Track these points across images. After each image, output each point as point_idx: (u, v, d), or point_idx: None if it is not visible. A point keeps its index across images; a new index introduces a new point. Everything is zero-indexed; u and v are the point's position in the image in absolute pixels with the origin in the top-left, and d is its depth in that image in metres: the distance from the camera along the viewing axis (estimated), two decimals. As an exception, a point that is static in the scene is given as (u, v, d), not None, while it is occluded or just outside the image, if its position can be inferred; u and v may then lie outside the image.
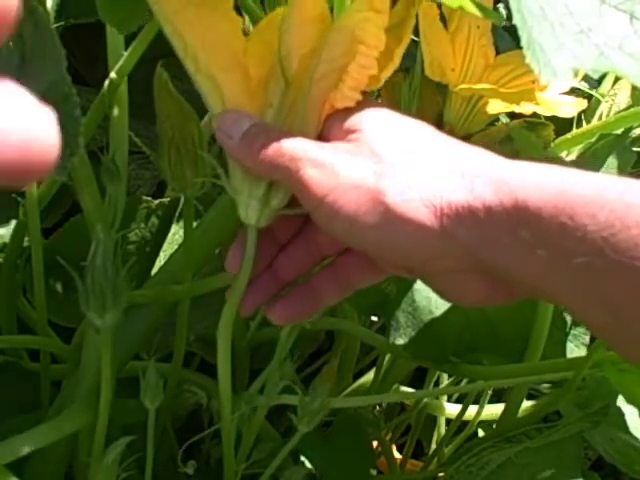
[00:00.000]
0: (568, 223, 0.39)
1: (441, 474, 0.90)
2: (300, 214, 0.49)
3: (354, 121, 0.47)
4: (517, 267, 0.42)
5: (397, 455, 1.02)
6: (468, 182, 0.43)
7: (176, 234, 0.85)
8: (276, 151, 0.46)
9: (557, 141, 0.75)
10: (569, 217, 0.39)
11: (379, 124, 0.46)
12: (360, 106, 0.48)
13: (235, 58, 0.48)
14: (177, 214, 0.85)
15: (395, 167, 0.44)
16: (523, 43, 0.42)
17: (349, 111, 0.47)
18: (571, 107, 0.66)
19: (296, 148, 0.45)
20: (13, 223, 0.81)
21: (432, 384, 0.94)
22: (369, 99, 0.49)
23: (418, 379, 0.99)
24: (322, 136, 0.49)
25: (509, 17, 0.44)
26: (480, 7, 0.42)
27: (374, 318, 0.91)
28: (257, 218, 0.49)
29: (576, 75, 0.42)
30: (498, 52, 0.68)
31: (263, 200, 0.48)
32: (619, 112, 0.77)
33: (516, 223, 0.41)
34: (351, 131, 0.46)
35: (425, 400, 0.94)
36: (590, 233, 0.39)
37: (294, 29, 0.47)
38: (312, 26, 0.47)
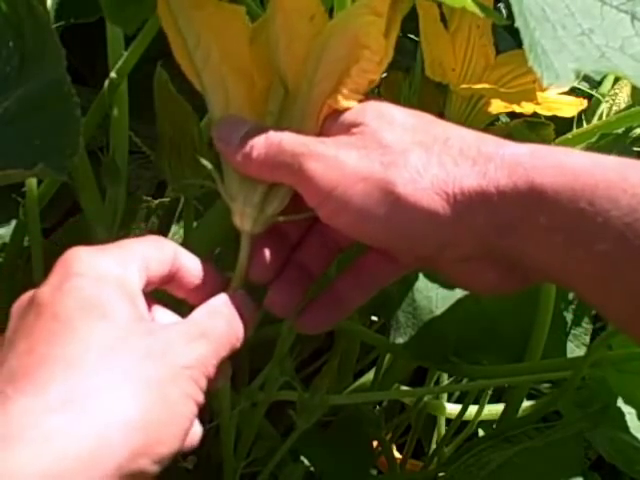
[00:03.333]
0: (587, 208, 0.38)
1: (441, 474, 0.90)
2: (296, 220, 0.49)
3: (356, 115, 0.46)
4: (533, 253, 0.41)
5: (397, 455, 1.02)
6: (481, 167, 0.42)
7: (176, 234, 0.85)
8: (276, 149, 0.45)
9: (557, 141, 0.75)
10: (589, 202, 0.38)
11: (382, 116, 0.46)
12: (360, 101, 0.47)
13: (242, 64, 0.49)
14: (177, 214, 0.85)
15: (404, 156, 0.43)
16: (525, 46, 0.42)
17: (350, 107, 0.47)
18: (571, 107, 0.66)
19: (297, 144, 0.45)
20: (13, 223, 0.81)
21: (432, 384, 0.94)
22: (367, 94, 0.48)
23: (418, 379, 0.99)
24: (322, 135, 0.48)
25: (509, 17, 0.44)
26: (481, 7, 0.42)
27: (374, 318, 0.91)
28: (252, 225, 0.49)
29: (578, 77, 0.42)
30: (498, 52, 0.68)
31: (258, 207, 0.48)
32: (619, 112, 0.77)
33: (532, 208, 0.40)
34: (354, 125, 0.46)
35: (425, 400, 0.94)
36: (612, 219, 0.38)
37: (279, 21, 0.47)
38: (297, 19, 0.47)
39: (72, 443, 0.36)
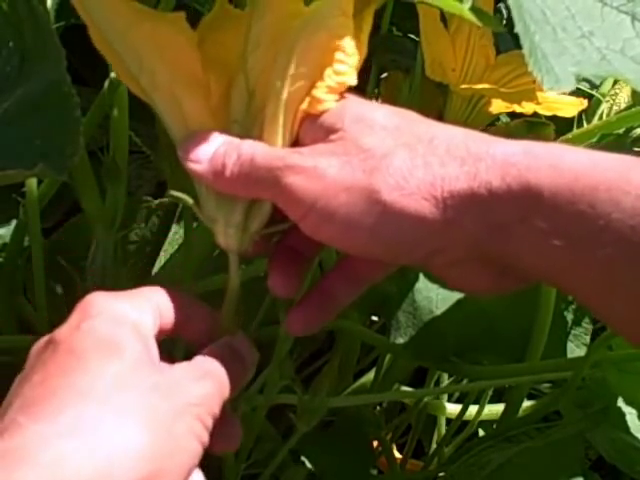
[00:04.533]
0: (588, 211, 0.37)
1: (441, 474, 0.90)
2: (282, 229, 0.47)
3: (334, 119, 0.44)
4: (528, 257, 0.40)
5: (397, 455, 1.02)
6: (470, 167, 0.40)
7: (176, 234, 0.85)
8: (249, 166, 0.43)
9: (558, 141, 0.75)
10: (589, 204, 0.37)
11: (362, 119, 0.43)
12: (338, 102, 0.45)
13: (194, 74, 0.45)
14: (177, 214, 0.85)
15: (386, 160, 0.41)
16: (525, 50, 0.41)
17: (326, 111, 0.45)
18: (572, 107, 0.66)
19: (271, 157, 0.43)
20: (13, 223, 0.81)
21: (432, 384, 0.94)
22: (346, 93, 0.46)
23: (418, 380, 0.99)
24: (298, 143, 0.46)
25: (510, 17, 0.44)
26: (479, 15, 0.42)
27: (374, 318, 0.91)
28: (238, 246, 0.46)
29: (578, 81, 0.42)
30: (499, 52, 0.68)
31: (241, 227, 0.46)
32: (620, 112, 0.77)
33: (528, 210, 0.39)
34: (332, 131, 0.44)
35: (425, 400, 0.94)
36: (614, 222, 0.36)
37: (267, 22, 0.44)
38: (289, 22, 0.45)
39: (81, 467, 0.36)
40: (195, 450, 0.41)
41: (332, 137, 0.43)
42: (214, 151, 0.44)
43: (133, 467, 0.37)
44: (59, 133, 0.55)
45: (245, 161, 0.44)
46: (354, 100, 0.46)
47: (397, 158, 0.41)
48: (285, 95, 0.44)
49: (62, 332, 0.42)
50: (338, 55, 0.44)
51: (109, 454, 0.37)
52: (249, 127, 0.46)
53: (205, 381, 0.43)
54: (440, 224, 0.41)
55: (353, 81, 0.45)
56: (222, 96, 0.46)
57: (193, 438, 0.41)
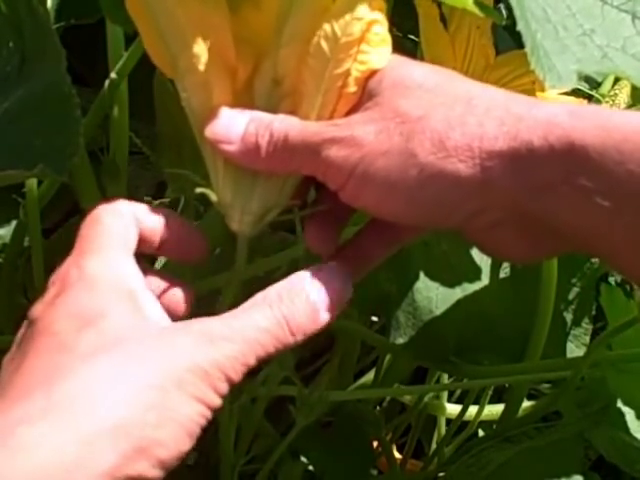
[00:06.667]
0: (638, 171, 0.36)
1: (441, 474, 0.90)
2: (293, 218, 0.47)
3: (374, 85, 0.44)
4: (571, 218, 0.39)
5: (397, 455, 1.02)
6: (510, 127, 0.39)
7: (176, 234, 0.85)
8: (284, 144, 0.43)
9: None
10: (639, 164, 0.36)
11: (400, 82, 0.43)
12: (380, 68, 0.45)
13: (228, 59, 0.45)
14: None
15: (422, 123, 0.41)
16: (527, 49, 0.41)
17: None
18: (571, 107, 0.66)
19: (307, 133, 0.43)
20: (13, 223, 0.81)
21: (433, 384, 0.94)
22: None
23: (418, 380, 0.99)
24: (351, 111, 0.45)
25: (509, 17, 0.44)
26: (481, 6, 0.42)
27: (374, 318, 0.91)
28: (251, 230, 0.47)
29: (580, 78, 0.42)
30: (498, 52, 0.68)
31: (258, 215, 0.46)
32: (619, 112, 0.77)
33: (572, 169, 0.38)
34: (372, 96, 0.43)
35: (425, 400, 0.94)
36: None
37: (302, 24, 0.44)
38: (321, 21, 0.44)
39: (53, 451, 0.35)
40: (197, 414, 0.39)
41: (368, 104, 0.43)
42: (244, 131, 0.44)
43: (116, 443, 0.36)
44: (59, 133, 0.55)
45: (279, 140, 0.43)
46: (395, 62, 0.45)
47: (433, 120, 0.41)
48: (330, 89, 0.44)
49: (37, 310, 0.40)
50: (362, 46, 0.44)
51: (84, 433, 0.35)
52: (271, 112, 0.45)
53: (219, 344, 0.39)
54: (478, 185, 0.40)
55: (379, 64, 0.45)
56: (247, 81, 0.46)
57: (193, 403, 0.38)
